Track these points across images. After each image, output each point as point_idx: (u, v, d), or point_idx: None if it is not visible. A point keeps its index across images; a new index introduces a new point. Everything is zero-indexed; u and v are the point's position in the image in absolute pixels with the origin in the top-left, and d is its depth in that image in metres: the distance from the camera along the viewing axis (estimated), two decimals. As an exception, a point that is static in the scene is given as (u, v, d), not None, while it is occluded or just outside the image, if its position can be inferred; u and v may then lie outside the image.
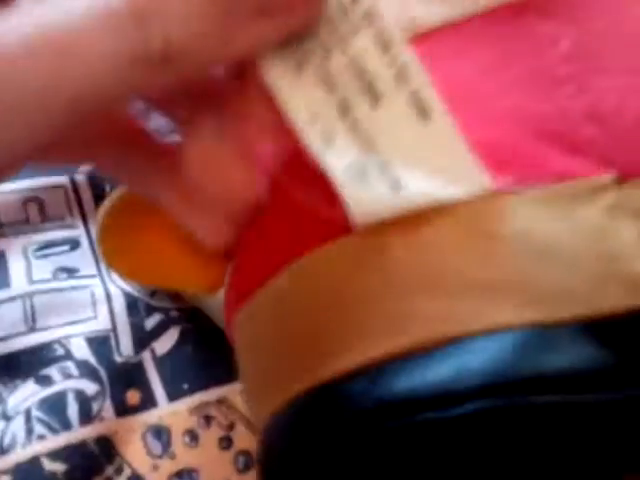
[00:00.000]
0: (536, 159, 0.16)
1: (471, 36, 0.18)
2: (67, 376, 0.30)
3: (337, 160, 0.16)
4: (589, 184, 0.16)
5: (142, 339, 0.32)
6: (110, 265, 0.24)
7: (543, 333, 0.15)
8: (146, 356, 0.31)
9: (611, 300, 0.15)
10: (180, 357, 0.31)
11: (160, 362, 0.31)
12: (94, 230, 0.35)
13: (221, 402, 0.30)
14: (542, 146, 0.16)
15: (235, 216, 0.19)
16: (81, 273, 0.33)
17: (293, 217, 0.18)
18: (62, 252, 0.34)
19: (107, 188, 0.36)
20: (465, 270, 0.15)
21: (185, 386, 0.31)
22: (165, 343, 0.32)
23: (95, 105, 0.16)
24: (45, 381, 0.30)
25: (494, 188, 0.15)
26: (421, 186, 0.15)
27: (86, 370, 0.30)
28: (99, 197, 0.36)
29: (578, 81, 0.17)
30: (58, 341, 0.31)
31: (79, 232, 0.34)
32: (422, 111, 0.16)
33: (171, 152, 0.19)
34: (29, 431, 0.28)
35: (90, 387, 0.30)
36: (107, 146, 0.20)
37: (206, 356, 0.32)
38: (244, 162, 0.18)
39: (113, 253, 0.23)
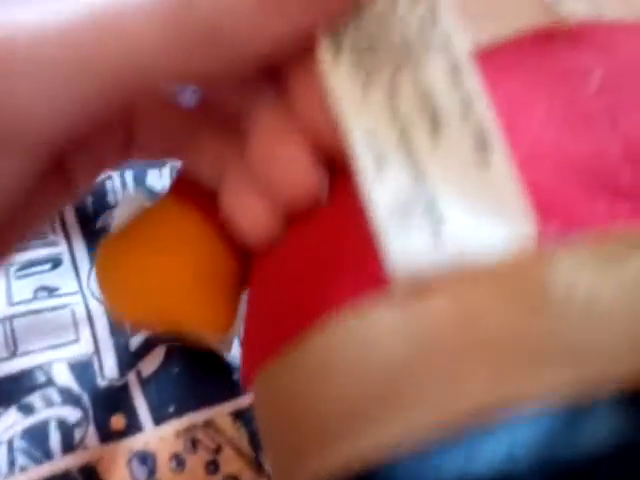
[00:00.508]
0: (580, 205, 0.15)
1: (500, 66, 0.17)
2: (49, 404, 0.29)
3: (384, 190, 0.15)
4: (636, 233, 0.15)
5: (127, 360, 0.31)
6: (110, 300, 0.23)
7: (587, 403, 0.14)
8: (131, 378, 0.30)
9: None
10: (166, 378, 0.31)
11: (146, 384, 0.30)
12: (78, 246, 0.34)
13: (208, 425, 0.29)
14: (584, 190, 0.15)
15: (286, 210, 0.18)
16: (61, 291, 0.32)
17: (326, 254, 0.16)
18: (43, 271, 0.33)
19: (89, 202, 0.35)
20: (509, 331, 0.14)
21: (171, 409, 0.30)
22: (151, 364, 0.31)
23: (139, 82, 0.15)
24: (27, 409, 0.29)
25: (540, 238, 0.14)
26: (466, 229, 0.14)
27: (68, 397, 0.29)
28: (81, 212, 0.35)
29: (611, 116, 0.16)
30: (40, 367, 0.30)
31: (61, 249, 0.33)
32: (482, 146, 0.15)
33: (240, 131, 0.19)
34: (11, 463, 0.28)
35: (72, 414, 0.29)
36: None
37: (193, 376, 0.31)
38: (306, 155, 0.17)
39: (112, 286, 0.22)
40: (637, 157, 0.15)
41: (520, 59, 0.17)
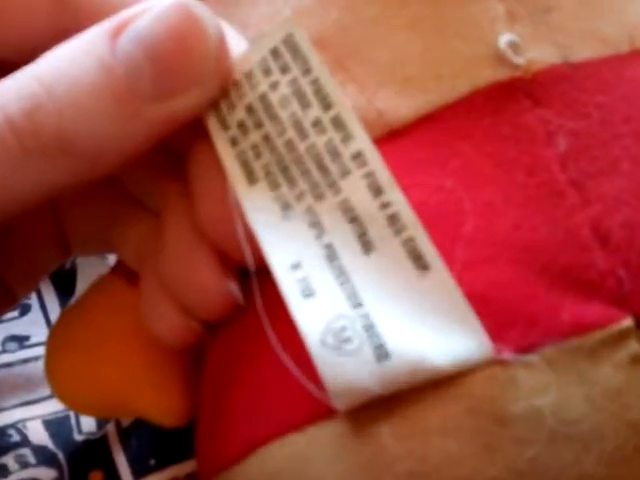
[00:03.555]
0: (542, 309, 0.13)
1: (450, 133, 0.15)
2: (24, 465, 0.28)
3: (315, 318, 0.14)
4: (605, 335, 0.13)
5: (105, 410, 0.30)
6: (60, 393, 0.22)
7: None
8: (110, 429, 0.29)
9: None
10: (147, 428, 0.29)
11: (125, 435, 0.29)
12: (47, 290, 0.32)
13: (191, 478, 0.28)
14: (548, 289, 0.14)
15: (197, 318, 0.17)
16: (32, 341, 0.31)
17: (273, 374, 0.15)
18: (11, 319, 0.31)
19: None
20: (466, 464, 0.13)
21: (152, 461, 0.28)
22: (130, 413, 0.30)
23: (6, 208, 0.15)
24: (1, 471, 0.28)
25: (496, 355, 0.13)
26: (411, 353, 0.13)
27: (44, 456, 0.28)
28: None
29: (580, 189, 0.14)
30: (14, 426, 0.29)
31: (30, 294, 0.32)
32: (417, 262, 0.14)
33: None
34: (-13, 529, 0.27)
35: (47, 474, 0.28)
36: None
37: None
38: (215, 270, 0.16)
39: (61, 379, 0.21)
40: (610, 235, 0.14)
41: (472, 124, 0.15)
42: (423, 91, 0.15)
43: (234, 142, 0.16)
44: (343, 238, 0.14)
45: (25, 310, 0.32)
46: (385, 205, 0.14)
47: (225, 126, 0.16)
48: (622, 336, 0.13)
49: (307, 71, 0.15)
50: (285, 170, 0.15)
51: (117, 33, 0.15)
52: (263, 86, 0.16)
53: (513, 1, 0.16)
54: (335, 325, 0.13)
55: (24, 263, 0.18)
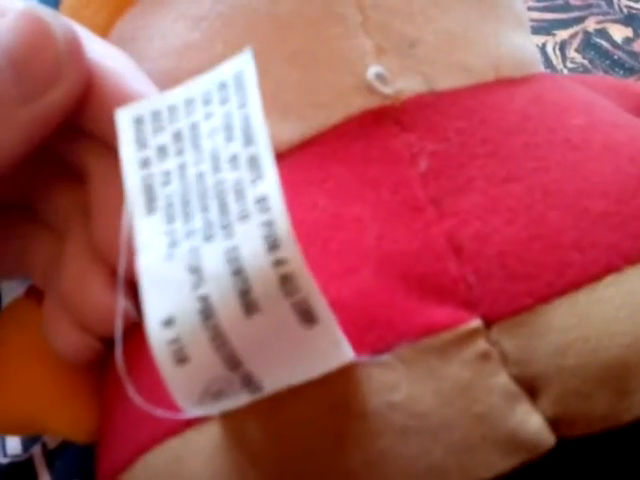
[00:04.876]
0: (398, 313, 0.14)
1: (326, 156, 0.16)
2: (-52, 489, 0.28)
3: (190, 384, 0.13)
4: (454, 334, 0.14)
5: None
6: None
7: None
8: (36, 451, 0.29)
9: (484, 469, 0.13)
10: (73, 450, 0.30)
11: (51, 458, 0.29)
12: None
13: (116, 497, 0.29)
14: (405, 295, 0.15)
15: (94, 334, 0.18)
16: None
17: (153, 383, 0.15)
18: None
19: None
20: (325, 456, 0.14)
21: (78, 483, 0.29)
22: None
23: None
24: None
25: (355, 358, 0.14)
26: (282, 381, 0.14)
27: (-32, 480, 0.28)
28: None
29: (438, 204, 0.16)
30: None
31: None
32: (305, 318, 0.13)
33: None
34: None
35: (-28, 499, 0.28)
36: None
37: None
38: (108, 281, 0.17)
39: None
40: (462, 248, 0.15)
41: (345, 148, 0.16)
42: (302, 118, 0.17)
43: (145, 164, 0.15)
44: (221, 292, 0.13)
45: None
46: (279, 262, 0.13)
47: (142, 145, 0.15)
48: (470, 335, 0.14)
49: (242, 105, 0.14)
50: (186, 203, 0.14)
51: None
52: (198, 115, 0.15)
53: (380, 37, 0.17)
54: (212, 388, 0.13)
55: None
